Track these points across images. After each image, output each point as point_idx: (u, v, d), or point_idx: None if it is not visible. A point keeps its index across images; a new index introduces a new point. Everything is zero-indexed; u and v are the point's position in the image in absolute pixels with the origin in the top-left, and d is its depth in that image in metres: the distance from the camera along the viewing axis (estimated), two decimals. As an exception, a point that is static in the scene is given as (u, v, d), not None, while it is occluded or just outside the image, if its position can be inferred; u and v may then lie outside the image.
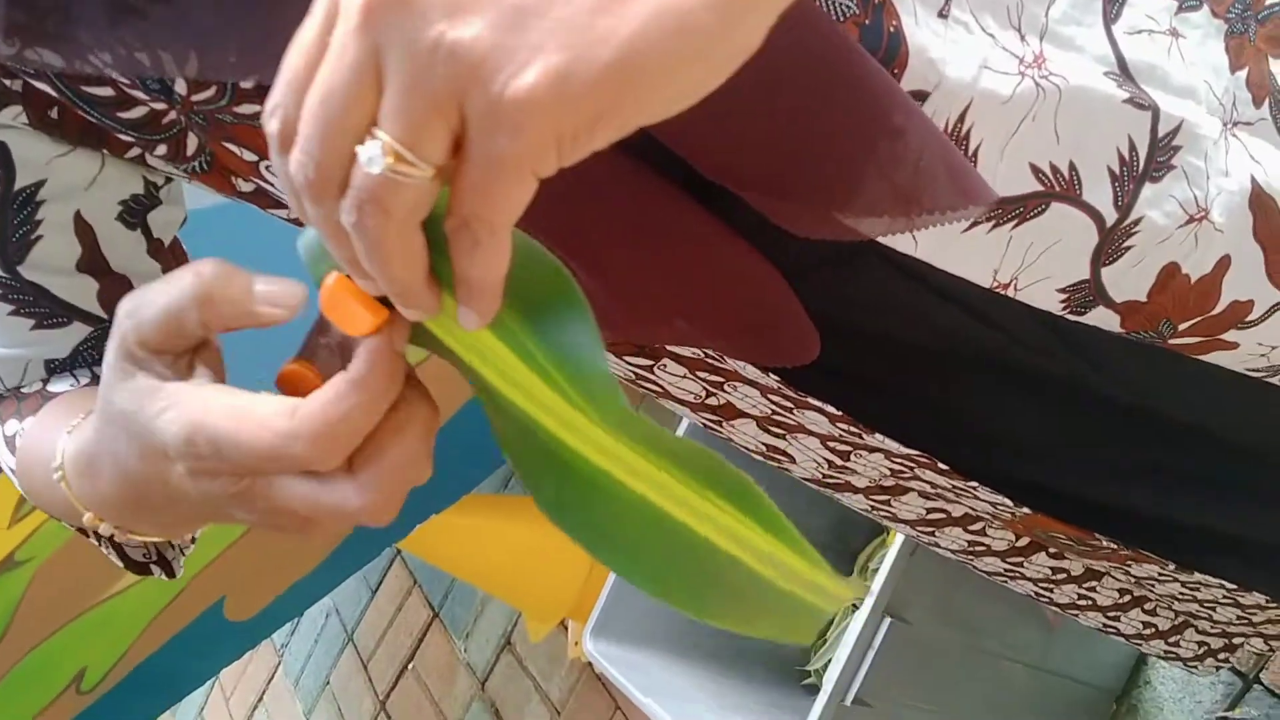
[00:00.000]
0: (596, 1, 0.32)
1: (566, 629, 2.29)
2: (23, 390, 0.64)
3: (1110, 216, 0.58)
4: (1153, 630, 1.06)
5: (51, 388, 0.63)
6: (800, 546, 0.42)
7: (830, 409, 0.71)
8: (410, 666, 2.74)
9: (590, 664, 2.19)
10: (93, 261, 0.63)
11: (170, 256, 0.67)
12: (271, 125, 0.35)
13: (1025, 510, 0.79)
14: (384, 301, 0.40)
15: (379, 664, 2.83)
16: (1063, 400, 0.69)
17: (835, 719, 1.17)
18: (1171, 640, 1.08)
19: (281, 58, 0.38)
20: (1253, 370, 0.68)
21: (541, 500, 0.43)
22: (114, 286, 0.64)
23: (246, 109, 0.55)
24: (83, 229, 0.62)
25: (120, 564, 0.63)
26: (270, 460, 0.40)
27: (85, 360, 0.65)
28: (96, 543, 0.62)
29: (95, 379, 0.63)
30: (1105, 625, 1.05)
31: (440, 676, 2.65)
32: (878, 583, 1.19)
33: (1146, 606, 1.03)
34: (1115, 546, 0.83)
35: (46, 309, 0.63)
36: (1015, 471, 0.76)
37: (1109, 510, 0.79)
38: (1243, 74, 0.62)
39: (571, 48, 0.32)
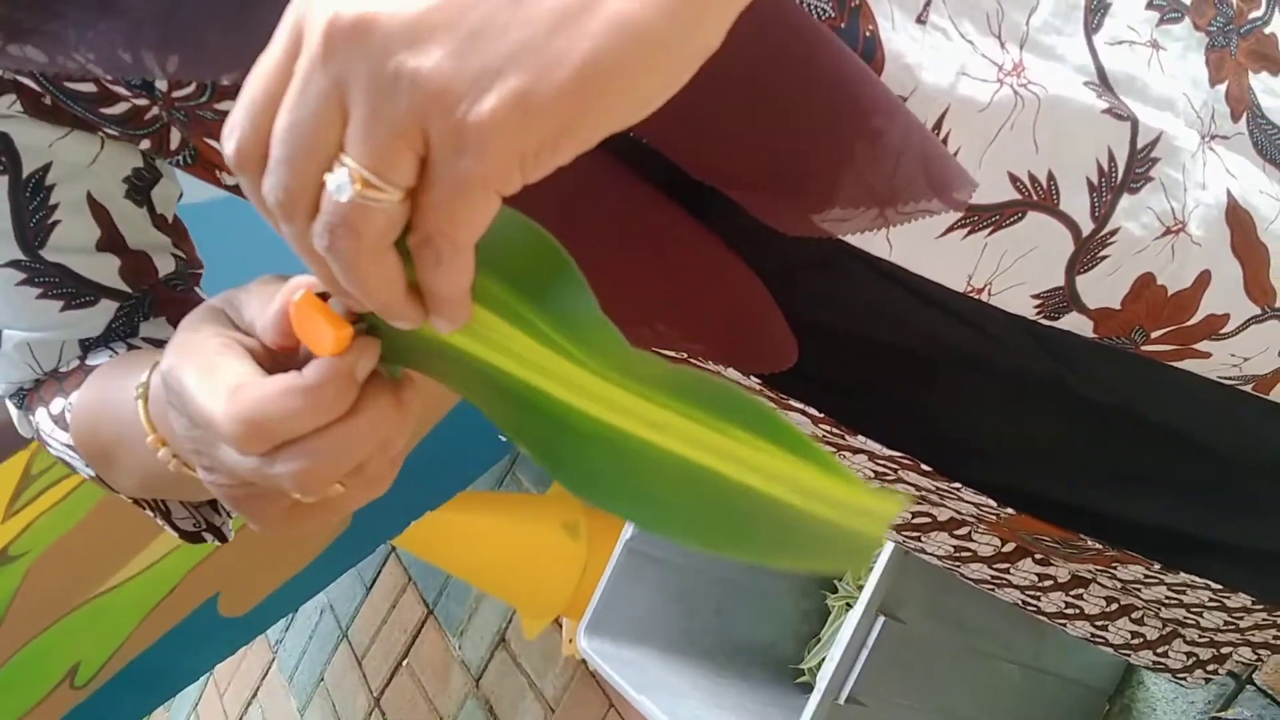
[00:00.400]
0: (552, 22, 0.32)
1: (561, 626, 2.29)
2: (61, 371, 0.65)
3: (1086, 226, 0.58)
4: (1141, 640, 1.06)
5: (90, 362, 0.64)
6: (828, 464, 0.41)
7: (812, 411, 0.71)
8: (405, 663, 2.74)
9: (584, 661, 2.19)
10: (111, 240, 0.64)
11: (174, 231, 0.69)
12: (229, 145, 0.36)
13: (1009, 511, 0.79)
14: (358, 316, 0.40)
15: (373, 661, 2.83)
16: (1043, 404, 0.69)
17: (829, 718, 1.17)
18: (1160, 651, 1.08)
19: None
20: (1225, 378, 0.68)
21: (568, 480, 0.42)
22: (135, 262, 0.66)
23: (227, 106, 0.55)
24: (98, 210, 0.64)
25: (174, 534, 0.65)
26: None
27: (119, 334, 0.66)
28: (152, 514, 0.64)
29: (131, 349, 0.65)
30: (1093, 635, 1.05)
31: (435, 673, 2.65)
32: (872, 582, 1.19)
33: (1134, 615, 1.03)
34: (1101, 547, 0.83)
35: (73, 289, 0.64)
36: (998, 474, 0.76)
37: (1091, 513, 0.80)
38: (1222, 88, 0.62)
39: (530, 69, 0.32)
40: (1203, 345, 0.65)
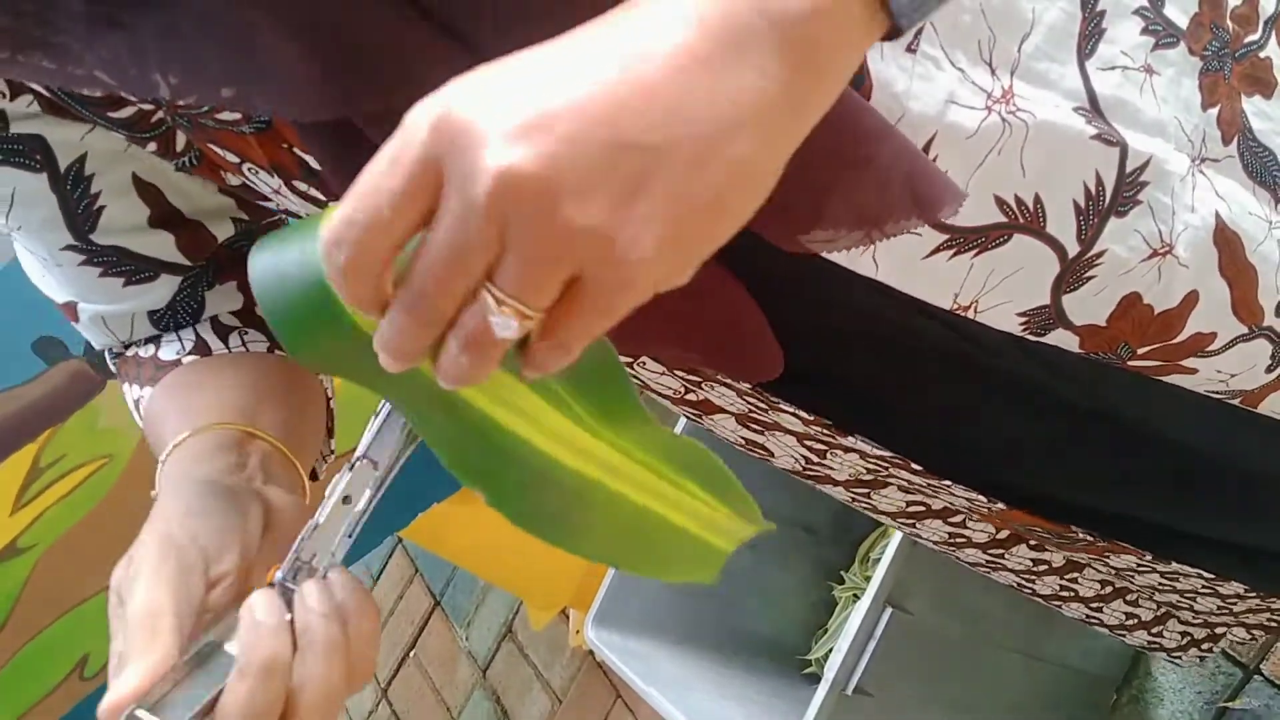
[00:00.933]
0: (685, 169, 0.36)
1: (568, 617, 2.30)
2: (140, 355, 0.69)
3: (1072, 248, 0.58)
4: (1135, 621, 1.07)
5: (162, 354, 0.68)
6: (746, 507, 0.48)
7: (802, 414, 0.72)
8: (412, 654, 2.75)
9: (591, 652, 2.19)
10: (164, 216, 0.67)
11: (237, 190, 0.69)
12: (337, 257, 0.37)
13: (1000, 506, 0.80)
14: None
15: (380, 652, 2.83)
16: (1032, 406, 0.70)
17: (836, 708, 1.17)
18: (1154, 631, 1.09)
19: (262, 72, 0.44)
20: (1213, 393, 0.69)
21: (493, 499, 0.48)
22: (191, 234, 0.68)
23: (227, 116, 0.56)
24: (145, 189, 0.66)
25: None
26: None
27: (185, 309, 0.69)
28: None
29: (198, 341, 0.68)
30: (1088, 616, 1.06)
31: (442, 664, 2.66)
32: (879, 573, 1.19)
33: (1129, 598, 1.04)
34: (1092, 538, 0.84)
35: (131, 266, 0.67)
36: (986, 472, 0.77)
37: (1082, 508, 0.80)
38: (1214, 111, 0.62)
39: (673, 215, 0.37)
40: (1189, 362, 0.65)
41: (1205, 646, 1.12)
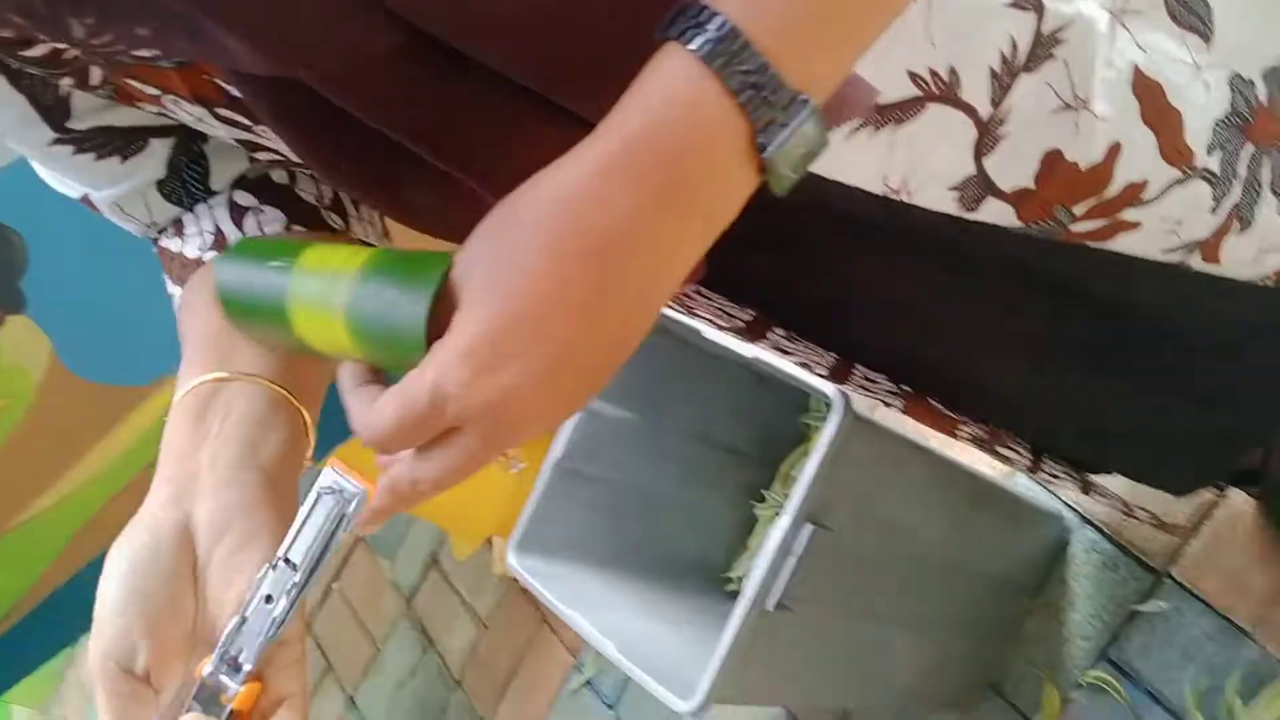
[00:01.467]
0: (611, 357, 0.48)
1: (492, 545, 2.30)
2: (169, 249, 0.70)
3: (985, 111, 0.59)
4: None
5: (187, 252, 0.69)
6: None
7: (728, 309, 0.74)
8: (335, 587, 2.74)
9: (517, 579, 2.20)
10: None
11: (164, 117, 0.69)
12: (377, 438, 0.51)
13: (902, 401, 0.84)
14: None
15: (304, 586, 2.82)
16: (963, 274, 0.71)
17: (756, 623, 1.18)
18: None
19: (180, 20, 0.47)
20: (1169, 250, 0.69)
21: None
22: None
23: (144, 52, 0.55)
24: None
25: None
26: None
27: (191, 174, 0.68)
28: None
29: (217, 232, 0.69)
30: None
31: (366, 597, 2.65)
32: (800, 490, 1.20)
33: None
34: (980, 428, 0.88)
35: (121, 141, 0.66)
36: (899, 348, 0.80)
37: (991, 394, 0.84)
38: None
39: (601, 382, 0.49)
40: (1129, 214, 0.65)
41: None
